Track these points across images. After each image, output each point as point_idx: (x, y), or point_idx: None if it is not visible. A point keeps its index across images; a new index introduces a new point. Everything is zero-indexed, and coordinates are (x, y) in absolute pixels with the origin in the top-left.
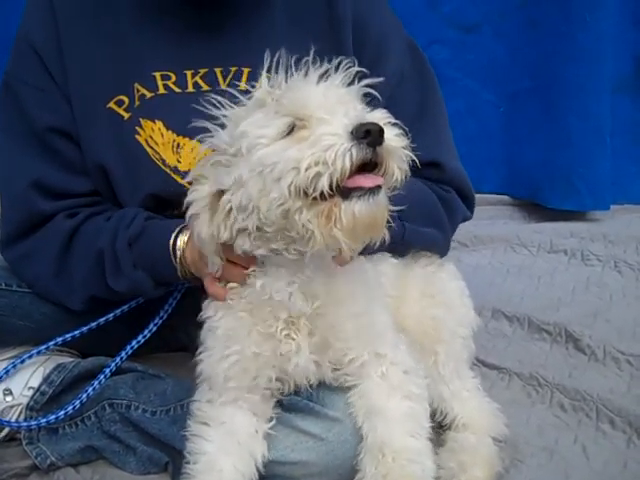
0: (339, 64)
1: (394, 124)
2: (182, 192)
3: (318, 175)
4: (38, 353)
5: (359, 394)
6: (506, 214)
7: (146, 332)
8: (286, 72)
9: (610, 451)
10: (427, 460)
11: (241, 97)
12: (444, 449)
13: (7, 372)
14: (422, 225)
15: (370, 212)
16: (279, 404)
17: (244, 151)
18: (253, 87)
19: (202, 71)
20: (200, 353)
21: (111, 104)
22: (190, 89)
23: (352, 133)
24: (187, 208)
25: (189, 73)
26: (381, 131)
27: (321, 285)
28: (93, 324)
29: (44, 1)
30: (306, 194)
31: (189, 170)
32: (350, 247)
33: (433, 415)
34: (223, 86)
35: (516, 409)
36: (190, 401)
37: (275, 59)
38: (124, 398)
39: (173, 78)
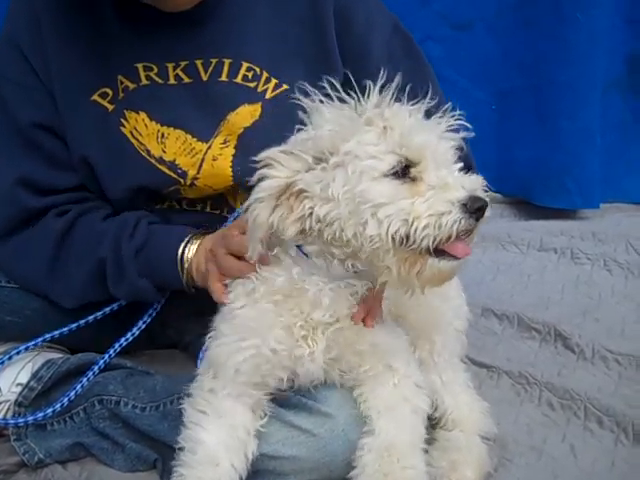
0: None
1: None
2: (167, 182)
3: (427, 236)
4: (26, 349)
5: (372, 394)
6: (496, 212)
7: (135, 330)
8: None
9: (598, 450)
10: (422, 473)
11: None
12: (435, 447)
13: (2, 363)
14: None
15: (450, 272)
16: (272, 398)
17: (349, 171)
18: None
19: (183, 63)
20: (211, 338)
21: (95, 97)
22: (172, 81)
23: (465, 205)
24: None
25: (170, 66)
26: (486, 207)
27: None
28: (82, 321)
29: (26, 2)
30: (401, 243)
31: (174, 160)
32: (417, 291)
33: None
34: (204, 78)
35: (505, 407)
36: (180, 396)
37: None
38: (113, 394)
39: (155, 69)
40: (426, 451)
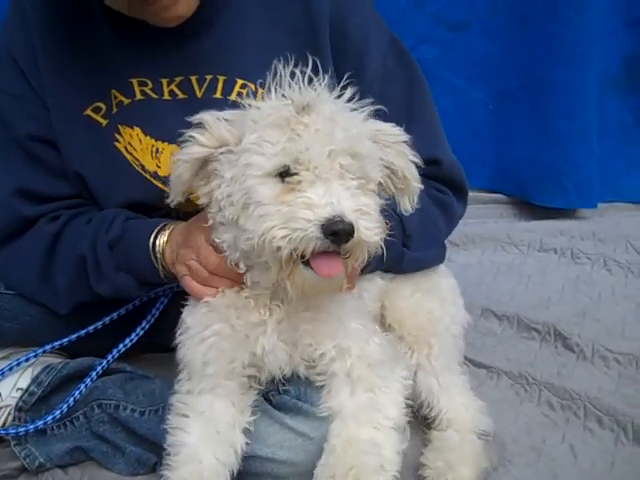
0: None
1: (371, 213)
2: (163, 197)
3: (283, 246)
4: (35, 356)
5: (327, 396)
6: (496, 213)
7: (133, 336)
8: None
9: (598, 450)
10: (385, 450)
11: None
12: (430, 448)
13: (2, 374)
14: (423, 249)
15: (319, 284)
16: (269, 402)
17: (242, 162)
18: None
19: (177, 79)
20: (180, 334)
21: (88, 111)
22: (166, 97)
23: (323, 226)
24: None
25: (165, 81)
26: (350, 232)
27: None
28: (82, 331)
29: (19, 15)
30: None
31: (169, 175)
32: (298, 296)
33: (419, 408)
34: (199, 94)
35: (504, 408)
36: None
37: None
38: (113, 398)
39: (150, 85)
40: (421, 453)
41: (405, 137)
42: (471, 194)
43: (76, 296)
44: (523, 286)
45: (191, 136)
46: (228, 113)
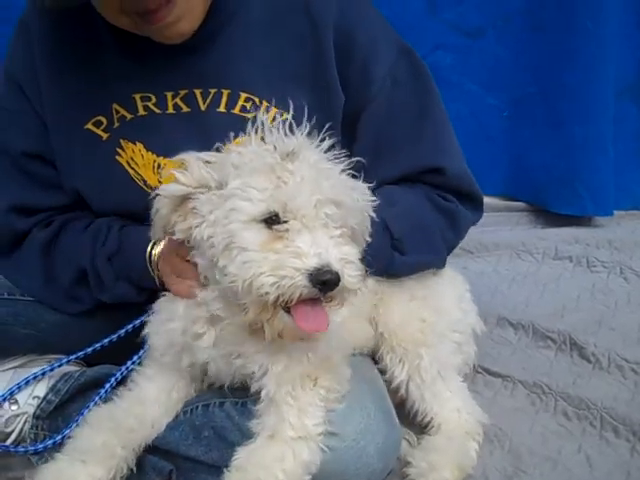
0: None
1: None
2: None
3: (269, 293)
4: (52, 370)
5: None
6: (511, 221)
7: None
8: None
9: (614, 460)
10: (286, 464)
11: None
12: (417, 448)
13: (19, 387)
14: (415, 253)
15: (297, 333)
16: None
17: (226, 207)
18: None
19: (182, 92)
20: (149, 314)
21: (89, 125)
22: (170, 110)
23: (311, 275)
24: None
25: (169, 95)
26: (336, 282)
27: None
28: (106, 340)
29: (24, 35)
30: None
31: None
32: (273, 338)
33: (414, 416)
34: (202, 108)
35: (520, 417)
36: (192, 407)
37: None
38: None
39: (153, 99)
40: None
41: (373, 200)
42: (486, 201)
43: (79, 301)
44: (538, 294)
45: (172, 174)
46: (209, 154)
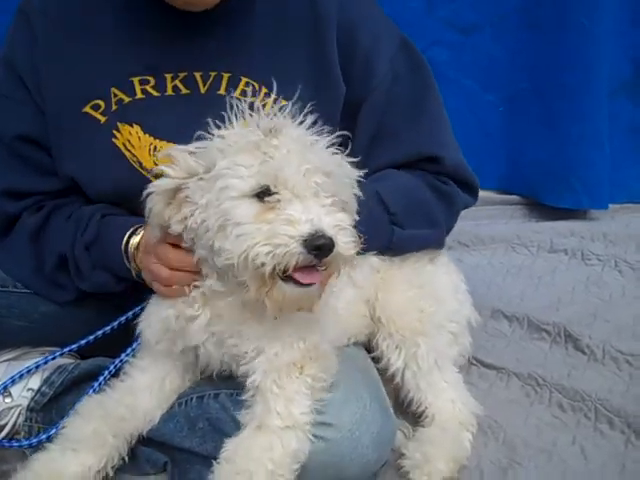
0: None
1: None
2: None
3: (266, 262)
4: (45, 363)
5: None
6: (506, 214)
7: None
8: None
9: (608, 452)
10: (275, 453)
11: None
12: (412, 440)
13: (13, 380)
14: (414, 227)
15: (298, 298)
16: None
17: (217, 186)
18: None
19: (182, 74)
20: (142, 307)
21: (87, 108)
22: (169, 92)
23: (306, 241)
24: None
25: (169, 76)
26: (331, 247)
27: None
28: (99, 332)
29: (22, 23)
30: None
31: None
32: (274, 313)
33: (408, 405)
34: (202, 90)
35: (514, 409)
36: (187, 399)
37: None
38: None
39: (152, 82)
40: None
41: (358, 173)
42: (481, 195)
43: (63, 289)
44: (533, 287)
45: (161, 170)
46: (193, 145)
